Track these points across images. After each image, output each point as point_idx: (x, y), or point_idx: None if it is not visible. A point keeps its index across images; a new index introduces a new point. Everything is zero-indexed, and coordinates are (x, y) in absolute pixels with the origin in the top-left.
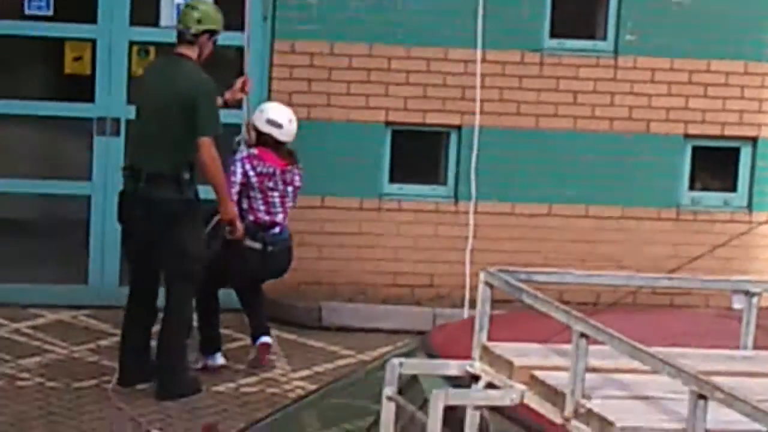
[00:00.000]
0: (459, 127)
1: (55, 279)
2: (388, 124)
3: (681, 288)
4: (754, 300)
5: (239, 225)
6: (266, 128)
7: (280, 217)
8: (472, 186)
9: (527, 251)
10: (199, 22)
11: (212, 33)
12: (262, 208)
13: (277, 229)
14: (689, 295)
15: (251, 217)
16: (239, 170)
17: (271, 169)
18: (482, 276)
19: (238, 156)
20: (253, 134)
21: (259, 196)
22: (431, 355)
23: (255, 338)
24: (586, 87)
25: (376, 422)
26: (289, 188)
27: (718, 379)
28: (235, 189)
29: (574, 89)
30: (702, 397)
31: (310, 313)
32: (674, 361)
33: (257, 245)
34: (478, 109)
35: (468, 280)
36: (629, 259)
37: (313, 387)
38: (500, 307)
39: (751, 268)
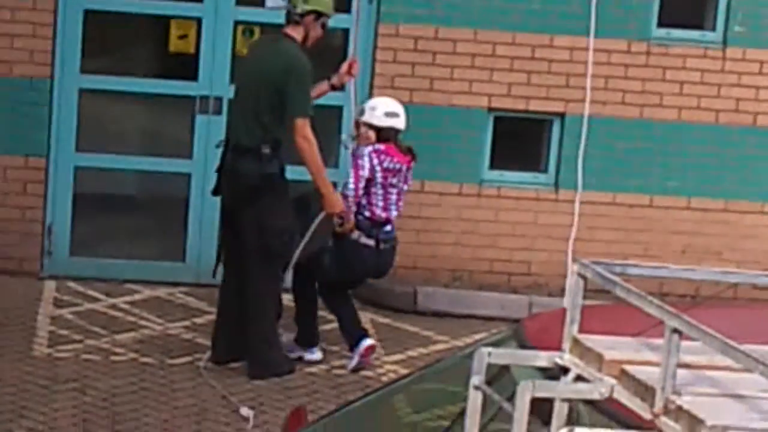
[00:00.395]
0: (562, 115)
1: (153, 255)
2: (490, 110)
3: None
4: None
5: (351, 218)
6: (387, 121)
7: (394, 215)
8: (579, 175)
9: (627, 242)
10: (305, 2)
11: (319, 15)
12: (380, 204)
13: (389, 227)
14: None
15: (367, 213)
16: (368, 164)
17: (398, 165)
18: (575, 267)
19: (364, 150)
20: (366, 131)
21: (380, 192)
22: (523, 345)
23: (356, 342)
24: (692, 77)
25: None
26: (405, 186)
27: None
28: (362, 184)
29: (680, 80)
30: None
31: (405, 298)
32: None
33: (371, 242)
34: (588, 97)
35: (570, 269)
36: (730, 253)
37: (405, 371)
38: (597, 298)
39: None
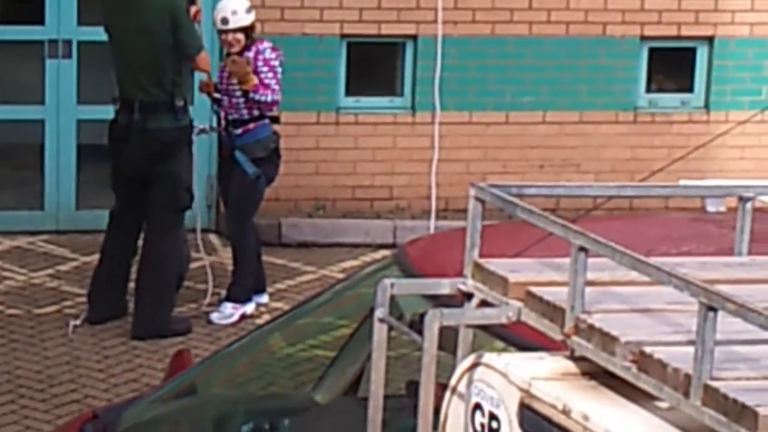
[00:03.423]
0: (415, 37)
1: (10, 205)
2: (343, 36)
3: (669, 195)
4: (748, 205)
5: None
6: (251, 17)
7: None
8: (435, 96)
9: (486, 160)
10: None
11: None
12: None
13: None
14: (649, 197)
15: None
16: (278, 62)
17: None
18: (472, 191)
19: (264, 48)
20: (234, 36)
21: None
22: (406, 271)
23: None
24: None
25: (350, 337)
26: None
27: (720, 288)
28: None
29: None
30: (711, 309)
31: (269, 230)
32: (681, 272)
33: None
34: (440, 18)
35: (434, 190)
36: (588, 164)
37: (275, 305)
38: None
39: (710, 168)
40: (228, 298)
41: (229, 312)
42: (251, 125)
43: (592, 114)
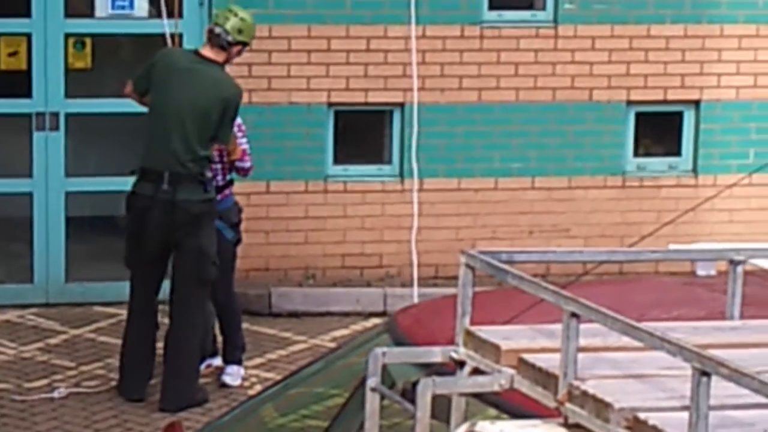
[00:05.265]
0: (402, 105)
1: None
2: (330, 104)
3: (659, 260)
4: (739, 268)
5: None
6: None
7: None
8: (413, 163)
9: (475, 226)
10: (239, 32)
11: (244, 45)
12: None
13: None
14: (639, 262)
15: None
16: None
17: None
18: (462, 258)
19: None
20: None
21: None
22: (398, 340)
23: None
24: (527, 58)
25: (342, 407)
26: None
27: (713, 353)
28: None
29: (515, 61)
30: (705, 374)
31: (259, 300)
32: (674, 337)
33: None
34: (415, 86)
35: (415, 258)
36: (577, 229)
37: (266, 375)
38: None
39: (699, 232)
40: (231, 362)
41: (237, 372)
42: (227, 191)
43: (581, 179)
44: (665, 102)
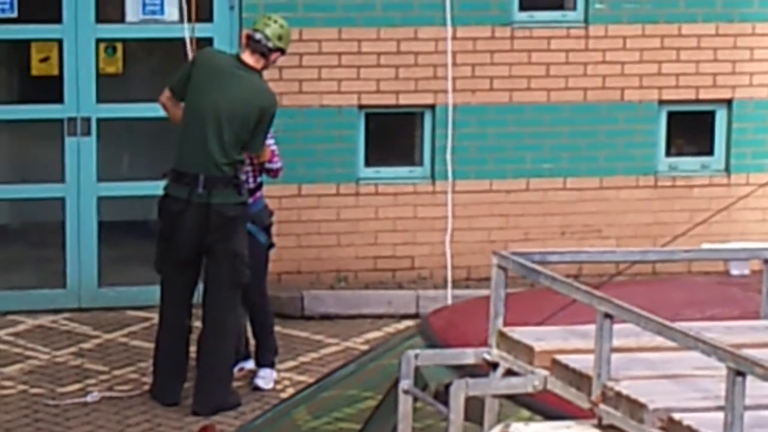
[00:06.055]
0: (433, 107)
1: (33, 284)
2: (361, 107)
3: (692, 259)
4: None
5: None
6: None
7: None
8: (448, 165)
9: (507, 228)
10: (279, 39)
11: (282, 52)
12: None
13: None
14: (672, 262)
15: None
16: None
17: None
18: (495, 260)
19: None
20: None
21: None
22: (430, 341)
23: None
24: (558, 58)
25: (375, 409)
26: None
27: (748, 353)
28: None
29: (546, 61)
30: (740, 373)
31: (292, 303)
32: (708, 337)
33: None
34: (450, 87)
35: (449, 260)
36: (609, 230)
37: (299, 378)
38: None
39: (732, 231)
40: (264, 365)
41: (270, 375)
42: (257, 194)
43: (613, 179)
44: (697, 101)
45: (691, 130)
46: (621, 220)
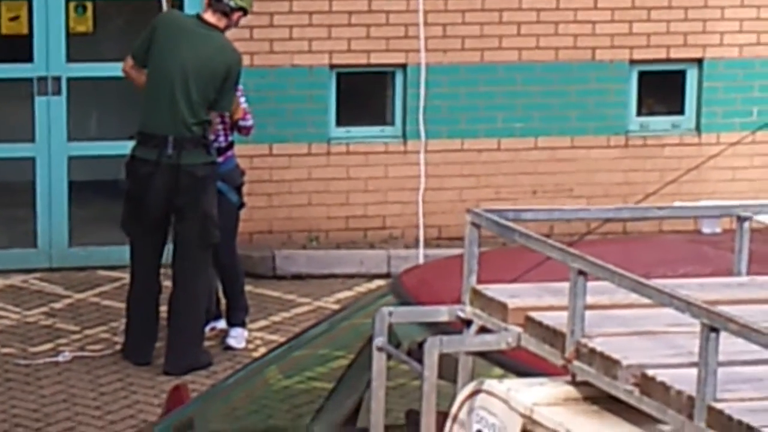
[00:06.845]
0: (404, 66)
1: (3, 243)
2: (332, 67)
3: (665, 217)
4: (746, 224)
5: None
6: None
7: None
8: (420, 125)
9: (478, 187)
10: None
11: (245, 12)
12: None
13: None
14: (645, 220)
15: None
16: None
17: None
18: (469, 217)
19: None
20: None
21: None
22: (403, 300)
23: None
24: (529, 17)
25: (348, 367)
26: None
27: (721, 309)
28: None
29: (517, 20)
30: (714, 329)
31: (263, 262)
32: (682, 294)
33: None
34: (422, 47)
35: (421, 220)
36: (580, 189)
37: (271, 337)
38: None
39: (702, 190)
40: (235, 324)
41: (241, 334)
42: (229, 152)
43: (584, 139)
44: (668, 61)
45: (661, 89)
46: (592, 179)
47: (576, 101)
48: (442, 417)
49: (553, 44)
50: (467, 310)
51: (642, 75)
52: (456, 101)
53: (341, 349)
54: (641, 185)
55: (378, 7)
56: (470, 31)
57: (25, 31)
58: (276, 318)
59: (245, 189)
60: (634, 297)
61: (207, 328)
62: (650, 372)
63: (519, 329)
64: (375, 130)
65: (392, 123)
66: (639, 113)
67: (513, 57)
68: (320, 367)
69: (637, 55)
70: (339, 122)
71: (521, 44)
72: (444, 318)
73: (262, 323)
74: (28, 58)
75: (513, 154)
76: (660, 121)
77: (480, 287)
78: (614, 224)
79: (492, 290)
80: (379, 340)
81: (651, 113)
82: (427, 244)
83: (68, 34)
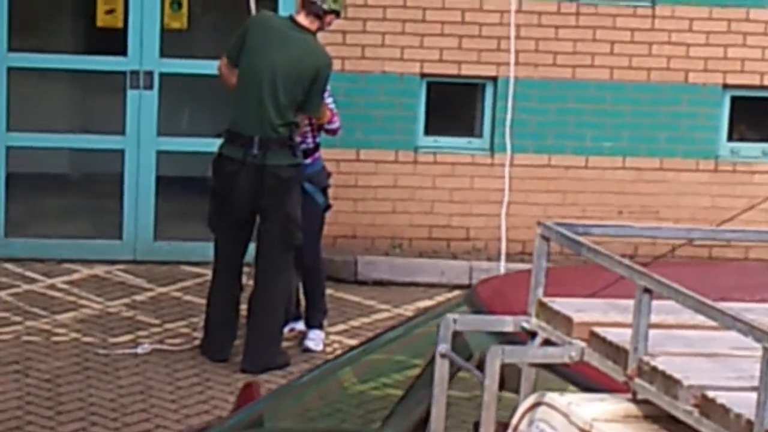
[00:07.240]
0: (495, 79)
1: (89, 234)
2: (423, 76)
3: (733, 240)
4: None
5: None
6: None
7: None
8: (507, 138)
9: (564, 204)
10: (335, 1)
11: (337, 15)
12: None
13: None
14: (728, 247)
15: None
16: None
17: None
18: (539, 230)
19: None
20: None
21: None
22: (477, 310)
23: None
24: (623, 37)
25: (419, 376)
26: None
27: None
28: None
29: (611, 39)
30: None
31: (346, 267)
32: (746, 317)
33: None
34: (512, 60)
35: (504, 233)
36: (667, 211)
37: (349, 341)
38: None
39: None
40: (313, 326)
41: (319, 336)
42: (316, 154)
43: (673, 161)
44: (762, 87)
45: (754, 115)
46: (679, 203)
47: (666, 123)
48: (502, 428)
49: (645, 65)
50: (532, 322)
51: (734, 100)
52: (545, 116)
53: (418, 357)
54: (728, 211)
55: (471, 18)
56: (563, 47)
57: (120, 24)
58: (355, 323)
59: (331, 192)
60: (700, 318)
61: (286, 329)
62: (710, 394)
63: (583, 344)
64: (462, 141)
65: (480, 135)
66: (730, 138)
67: (605, 75)
68: (396, 374)
69: (731, 80)
70: (427, 131)
71: (614, 63)
72: (509, 328)
73: (341, 327)
74: (122, 51)
75: (600, 173)
76: (751, 148)
77: (546, 300)
78: (700, 249)
79: (558, 303)
80: (443, 347)
81: (742, 139)
82: (510, 258)
83: (162, 30)
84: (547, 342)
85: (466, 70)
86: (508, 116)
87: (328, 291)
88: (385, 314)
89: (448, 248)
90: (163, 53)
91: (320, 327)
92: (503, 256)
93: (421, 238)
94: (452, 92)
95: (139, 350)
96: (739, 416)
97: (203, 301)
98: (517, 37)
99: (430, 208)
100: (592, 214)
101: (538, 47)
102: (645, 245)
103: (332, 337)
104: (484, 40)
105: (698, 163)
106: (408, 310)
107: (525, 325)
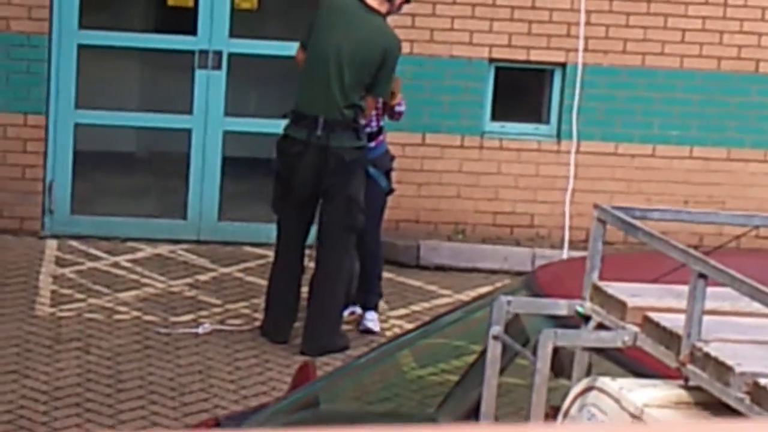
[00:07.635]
0: (563, 65)
1: (154, 213)
2: (491, 60)
3: None
4: None
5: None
6: None
7: None
8: (574, 125)
9: (629, 192)
10: None
11: (408, 1)
12: None
13: None
14: None
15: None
16: None
17: None
18: (595, 213)
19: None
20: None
21: None
22: (536, 295)
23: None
24: (694, 25)
25: (474, 362)
26: None
27: None
28: None
29: (682, 27)
30: None
31: (408, 252)
32: None
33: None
34: (581, 46)
35: (568, 220)
36: (733, 202)
37: (409, 326)
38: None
39: None
40: (369, 307)
41: (376, 318)
42: (380, 137)
43: (741, 152)
44: None
45: None
46: (746, 194)
47: (735, 113)
48: (554, 412)
49: (716, 53)
50: (586, 306)
51: None
52: (613, 104)
53: (477, 342)
54: None
55: (541, 4)
56: (633, 34)
57: (190, 4)
58: (416, 307)
59: (394, 176)
60: (756, 306)
61: (346, 312)
62: (763, 381)
63: (636, 328)
64: (529, 127)
65: (547, 121)
66: None
67: (675, 63)
68: (455, 360)
69: None
70: (494, 116)
71: (684, 51)
72: (563, 312)
73: (402, 311)
74: (192, 31)
75: (667, 162)
76: None
77: (601, 284)
78: (766, 242)
79: (612, 288)
80: (495, 329)
81: None
82: (572, 246)
83: (233, 10)
84: (600, 326)
85: (535, 56)
86: (576, 103)
87: (390, 275)
88: (446, 299)
89: (512, 235)
90: (233, 33)
91: (375, 309)
92: (566, 244)
93: (485, 224)
94: (520, 77)
95: (200, 330)
96: None
97: (265, 283)
98: (587, 23)
99: (494, 194)
100: (658, 203)
101: (608, 34)
102: (710, 236)
103: (392, 321)
104: (553, 26)
105: (766, 154)
106: (469, 296)
107: (579, 308)
